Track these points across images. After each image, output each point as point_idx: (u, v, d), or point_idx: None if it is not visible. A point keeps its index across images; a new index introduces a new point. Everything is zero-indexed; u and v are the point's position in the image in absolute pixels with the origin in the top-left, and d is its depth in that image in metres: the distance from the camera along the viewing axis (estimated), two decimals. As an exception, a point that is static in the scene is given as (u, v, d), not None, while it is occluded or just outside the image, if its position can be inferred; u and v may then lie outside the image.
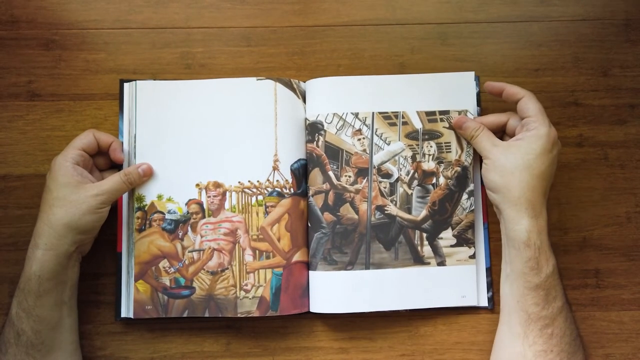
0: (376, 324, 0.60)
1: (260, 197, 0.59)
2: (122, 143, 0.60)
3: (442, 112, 0.60)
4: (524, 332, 0.53)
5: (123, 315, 0.58)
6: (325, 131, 0.59)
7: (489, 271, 0.61)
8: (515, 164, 0.53)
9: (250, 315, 0.57)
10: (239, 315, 0.57)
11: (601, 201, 0.63)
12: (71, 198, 0.52)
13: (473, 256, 0.60)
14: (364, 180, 0.60)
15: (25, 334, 0.51)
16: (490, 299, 0.60)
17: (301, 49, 0.64)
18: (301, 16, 0.65)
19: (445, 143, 0.60)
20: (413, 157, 0.60)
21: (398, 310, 0.59)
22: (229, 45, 0.64)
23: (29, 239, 0.53)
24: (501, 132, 0.59)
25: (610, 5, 0.66)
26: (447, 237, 0.60)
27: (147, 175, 0.58)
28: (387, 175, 0.60)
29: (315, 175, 0.59)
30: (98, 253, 0.59)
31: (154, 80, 0.62)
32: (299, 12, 0.65)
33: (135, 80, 0.60)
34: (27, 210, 0.60)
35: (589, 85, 0.64)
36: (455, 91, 0.61)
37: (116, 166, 0.59)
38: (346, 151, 0.60)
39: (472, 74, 0.61)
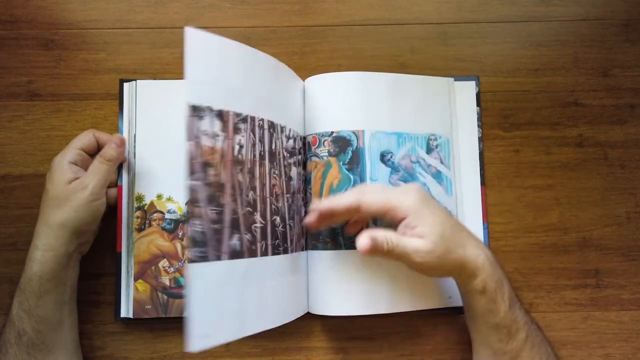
0: (376, 324, 0.60)
1: (260, 197, 0.59)
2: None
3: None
4: None
5: (123, 315, 0.58)
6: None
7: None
8: (435, 243, 0.48)
9: (250, 315, 0.57)
10: (238, 315, 0.57)
11: (601, 201, 0.63)
12: (63, 197, 0.52)
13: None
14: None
15: (26, 334, 0.51)
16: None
17: (301, 49, 0.64)
18: (301, 16, 0.65)
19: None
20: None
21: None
22: (229, 45, 0.64)
23: (29, 239, 0.53)
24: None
25: (610, 5, 0.66)
26: None
27: (122, 144, 0.56)
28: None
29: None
30: (98, 253, 0.59)
31: (154, 80, 0.62)
32: (299, 12, 0.65)
33: (135, 80, 0.61)
34: (27, 210, 0.60)
35: (589, 85, 0.64)
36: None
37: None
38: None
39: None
